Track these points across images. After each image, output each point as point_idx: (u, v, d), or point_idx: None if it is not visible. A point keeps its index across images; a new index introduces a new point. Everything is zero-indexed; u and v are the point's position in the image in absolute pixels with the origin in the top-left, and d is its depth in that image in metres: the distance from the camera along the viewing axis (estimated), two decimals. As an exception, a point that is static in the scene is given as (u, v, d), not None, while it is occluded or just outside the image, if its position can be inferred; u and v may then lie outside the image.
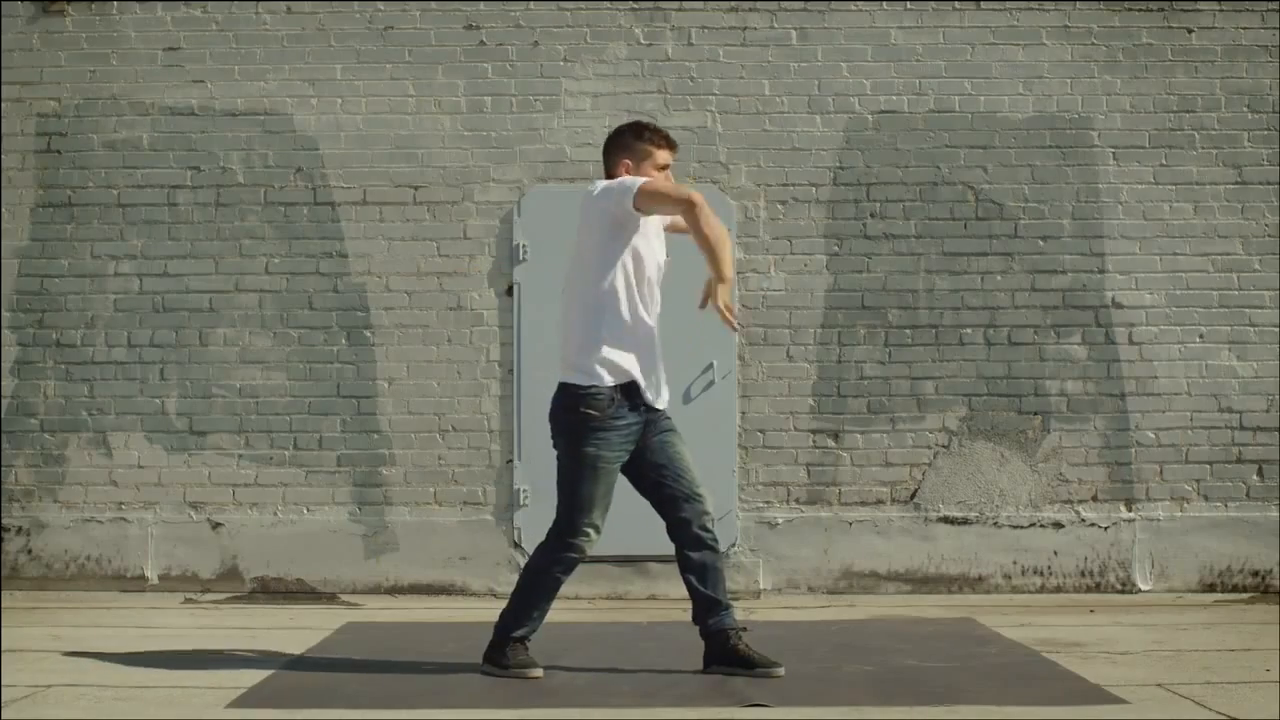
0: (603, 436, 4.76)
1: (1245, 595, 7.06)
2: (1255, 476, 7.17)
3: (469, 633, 5.88)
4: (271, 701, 4.41)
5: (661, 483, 4.86)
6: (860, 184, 7.26)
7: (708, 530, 4.86)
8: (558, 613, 5.98)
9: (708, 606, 4.85)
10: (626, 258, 4.79)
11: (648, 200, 4.72)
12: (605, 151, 5.03)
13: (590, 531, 4.81)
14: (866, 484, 7.16)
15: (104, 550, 7.14)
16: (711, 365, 7.08)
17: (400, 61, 7.30)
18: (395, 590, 7.10)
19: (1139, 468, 7.17)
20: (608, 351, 4.76)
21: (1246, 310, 7.22)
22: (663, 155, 4.94)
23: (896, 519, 7.14)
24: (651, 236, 4.91)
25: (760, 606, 6.83)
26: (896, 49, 7.29)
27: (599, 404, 4.76)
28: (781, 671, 4.78)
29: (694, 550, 4.86)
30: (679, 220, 4.91)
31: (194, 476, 7.18)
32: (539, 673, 4.83)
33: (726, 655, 4.83)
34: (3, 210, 7.27)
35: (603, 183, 4.88)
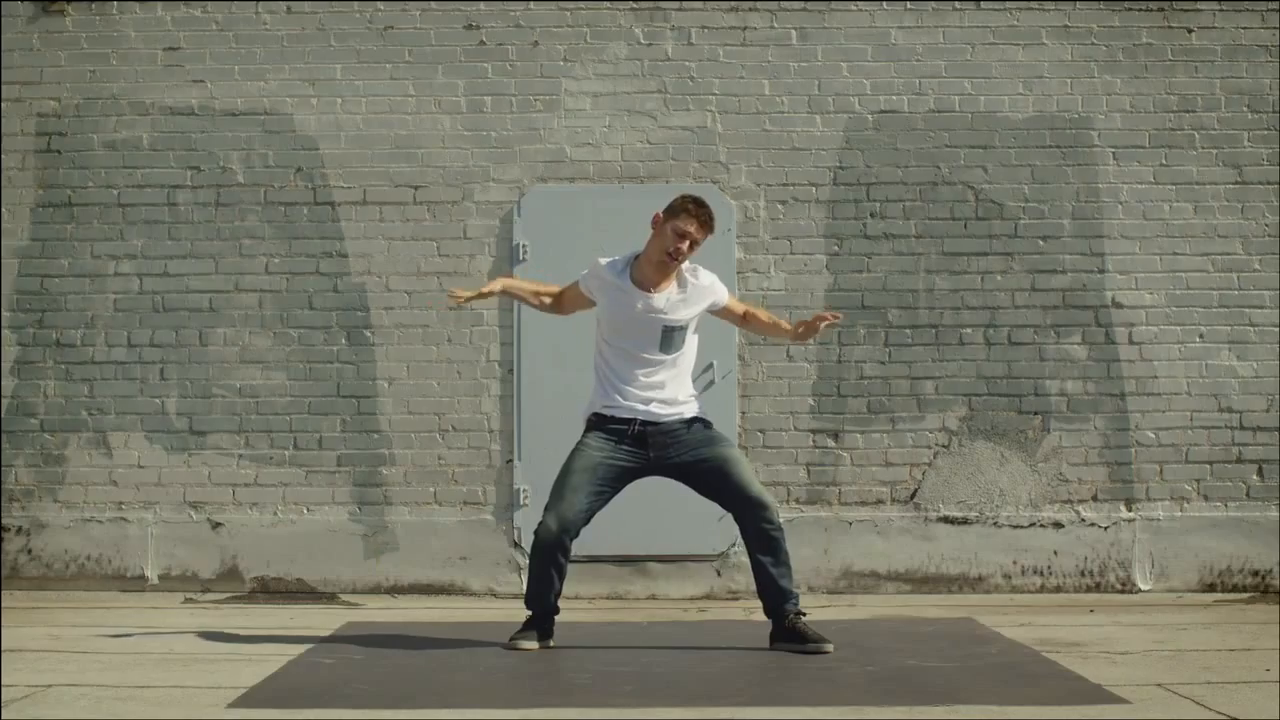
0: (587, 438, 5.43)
1: (1245, 595, 7.06)
2: (1255, 476, 7.17)
3: (469, 632, 5.88)
4: (271, 701, 4.41)
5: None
6: (860, 184, 7.26)
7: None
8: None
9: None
10: (600, 316, 5.46)
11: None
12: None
13: (544, 515, 5.29)
14: (866, 484, 7.16)
15: (104, 550, 7.14)
16: (711, 365, 7.07)
17: (400, 61, 7.30)
18: (395, 590, 7.10)
19: (1139, 468, 7.17)
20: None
21: (1246, 310, 7.22)
22: (685, 222, 5.24)
23: (896, 519, 7.14)
24: (617, 297, 5.36)
25: (760, 606, 6.81)
26: (896, 49, 7.29)
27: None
28: (830, 647, 5.24)
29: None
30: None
31: (194, 476, 7.18)
32: (528, 646, 5.32)
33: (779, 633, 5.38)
34: (3, 210, 7.27)
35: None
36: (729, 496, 5.31)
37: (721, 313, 5.56)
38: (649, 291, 5.30)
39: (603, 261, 5.40)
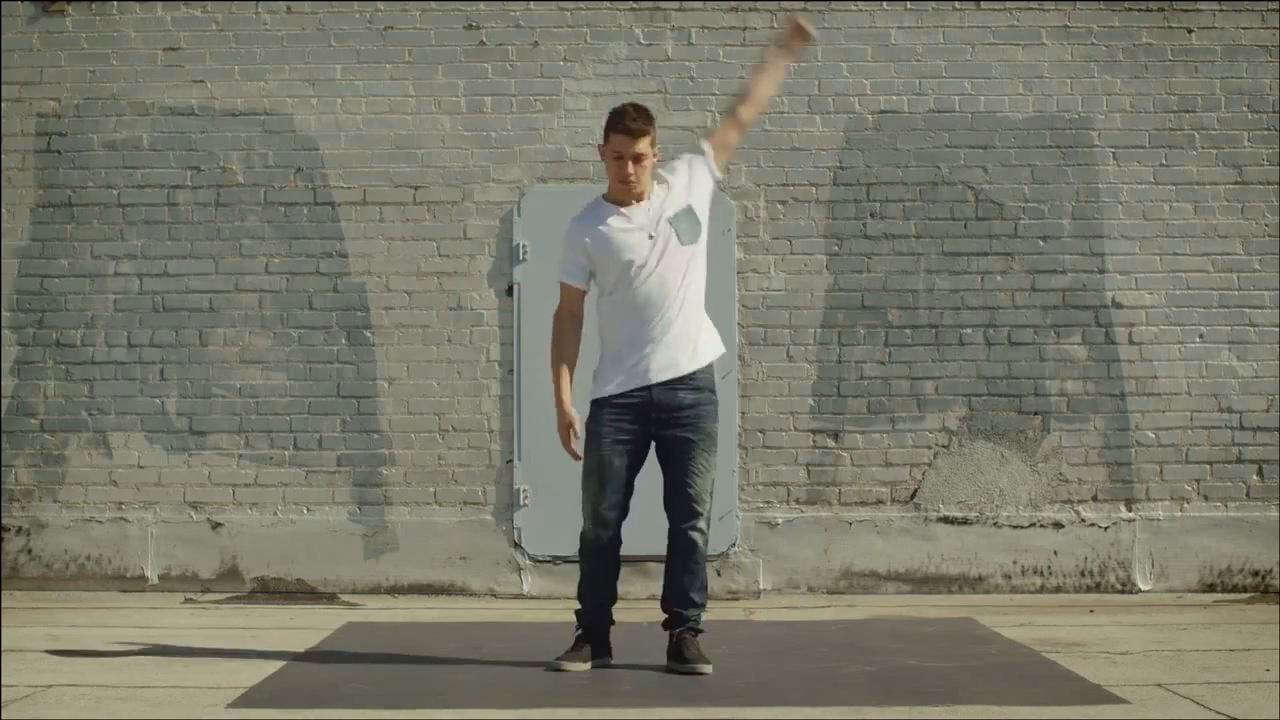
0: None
1: (1245, 595, 7.06)
2: (1255, 476, 7.17)
3: (469, 633, 5.89)
4: (271, 701, 4.41)
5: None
6: (860, 184, 7.26)
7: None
8: (555, 612, 5.99)
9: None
10: (600, 282, 5.06)
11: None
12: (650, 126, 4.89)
13: (586, 521, 5.02)
14: (866, 484, 7.16)
15: (104, 550, 7.14)
16: (712, 365, 7.05)
17: (400, 61, 7.30)
18: (395, 590, 7.10)
19: (1139, 468, 7.17)
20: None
21: (1246, 310, 7.22)
22: (616, 142, 4.82)
23: (896, 519, 7.14)
24: (605, 237, 4.89)
25: (760, 606, 6.83)
26: (896, 49, 7.29)
27: None
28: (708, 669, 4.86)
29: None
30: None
31: (194, 476, 7.18)
32: (575, 667, 4.92)
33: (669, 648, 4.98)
34: (3, 210, 7.27)
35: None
36: (669, 479, 4.95)
37: (717, 157, 5.06)
38: (627, 211, 4.88)
39: (570, 226, 4.98)
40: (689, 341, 4.93)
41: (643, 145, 4.83)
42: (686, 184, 4.96)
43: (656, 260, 4.86)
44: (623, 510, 4.95)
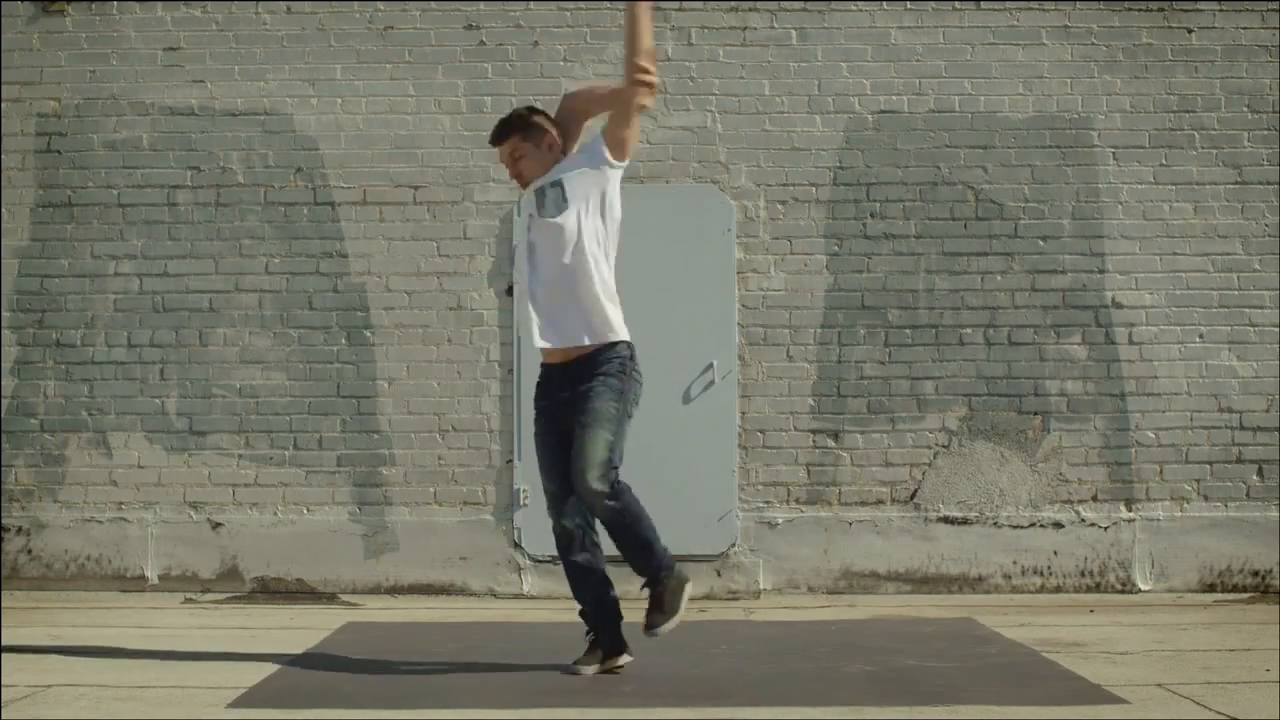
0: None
1: (1245, 595, 7.06)
2: (1255, 476, 7.17)
3: (469, 633, 5.89)
4: (271, 701, 4.41)
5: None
6: (860, 184, 7.26)
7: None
8: (555, 612, 6.00)
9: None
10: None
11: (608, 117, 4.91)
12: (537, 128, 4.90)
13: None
14: (866, 484, 7.16)
15: (104, 550, 7.14)
16: (711, 365, 7.07)
17: (400, 61, 7.30)
18: (395, 590, 7.10)
19: (1139, 468, 7.17)
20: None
21: (1246, 310, 7.22)
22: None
23: (896, 519, 7.14)
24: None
25: (760, 606, 6.83)
26: (896, 49, 7.29)
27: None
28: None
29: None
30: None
31: (194, 476, 7.18)
32: (585, 670, 4.88)
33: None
34: (3, 210, 7.27)
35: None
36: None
37: (614, 124, 4.81)
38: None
39: None
40: (573, 322, 4.75)
41: (509, 146, 4.89)
42: (571, 163, 4.85)
43: (527, 228, 4.87)
44: (559, 489, 4.87)
